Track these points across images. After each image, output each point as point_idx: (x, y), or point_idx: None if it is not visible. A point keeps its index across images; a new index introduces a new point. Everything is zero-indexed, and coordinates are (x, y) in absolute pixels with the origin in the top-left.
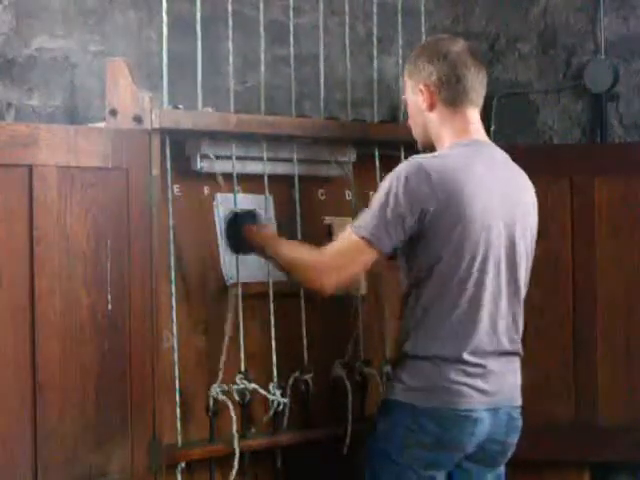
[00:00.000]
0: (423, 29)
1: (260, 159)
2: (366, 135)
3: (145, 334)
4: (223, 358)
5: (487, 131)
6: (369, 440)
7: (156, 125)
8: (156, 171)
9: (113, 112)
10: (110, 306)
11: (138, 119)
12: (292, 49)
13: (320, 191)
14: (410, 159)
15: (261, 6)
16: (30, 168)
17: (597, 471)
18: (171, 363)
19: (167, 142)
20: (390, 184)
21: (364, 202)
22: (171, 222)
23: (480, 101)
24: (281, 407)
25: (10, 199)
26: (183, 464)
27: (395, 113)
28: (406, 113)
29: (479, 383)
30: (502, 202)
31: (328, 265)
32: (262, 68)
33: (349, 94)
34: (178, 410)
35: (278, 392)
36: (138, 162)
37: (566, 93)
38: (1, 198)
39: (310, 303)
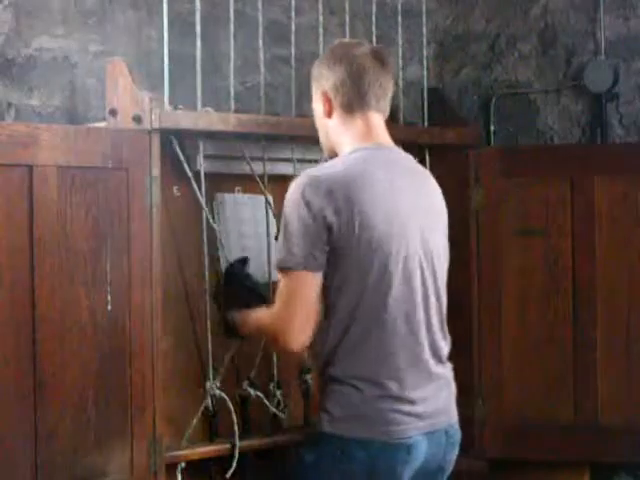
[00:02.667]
0: (424, 29)
1: (260, 159)
2: None
3: (145, 334)
4: (228, 357)
5: (487, 131)
6: (295, 472)
7: (156, 125)
8: (156, 171)
9: (113, 112)
10: (110, 306)
11: (138, 119)
12: (292, 49)
13: None
14: (302, 174)
15: (260, 6)
16: (30, 168)
17: (597, 471)
18: (171, 363)
19: (167, 142)
20: (292, 208)
21: None
22: (171, 222)
23: (382, 106)
24: (281, 407)
25: (10, 199)
26: (183, 464)
27: (395, 113)
28: (406, 114)
29: (411, 407)
30: (411, 208)
31: (283, 320)
32: (262, 68)
33: None
34: (178, 410)
35: (278, 392)
36: (138, 162)
37: (566, 93)
38: (1, 198)
39: None
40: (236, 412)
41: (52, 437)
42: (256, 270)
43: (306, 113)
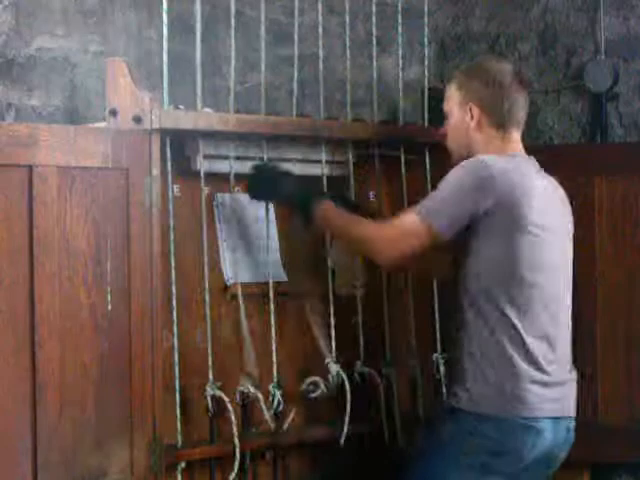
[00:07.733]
0: (425, 29)
1: (260, 159)
2: (366, 135)
3: (145, 334)
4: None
5: None
6: (427, 445)
7: (156, 125)
8: (156, 171)
9: (113, 112)
10: (110, 306)
11: (138, 119)
12: (293, 49)
13: None
14: (477, 158)
15: (262, 6)
16: (30, 168)
17: (597, 471)
18: (171, 363)
19: (167, 142)
20: (457, 176)
21: (364, 202)
22: (171, 222)
23: (523, 124)
24: (281, 407)
25: (10, 199)
26: (183, 464)
27: (395, 113)
28: (406, 114)
29: (544, 390)
30: (560, 212)
31: (392, 238)
32: (262, 68)
33: (349, 94)
34: (178, 410)
35: (278, 392)
36: (138, 162)
37: (566, 93)
38: (1, 198)
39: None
40: (236, 412)
41: (52, 437)
42: (256, 267)
43: (306, 113)
